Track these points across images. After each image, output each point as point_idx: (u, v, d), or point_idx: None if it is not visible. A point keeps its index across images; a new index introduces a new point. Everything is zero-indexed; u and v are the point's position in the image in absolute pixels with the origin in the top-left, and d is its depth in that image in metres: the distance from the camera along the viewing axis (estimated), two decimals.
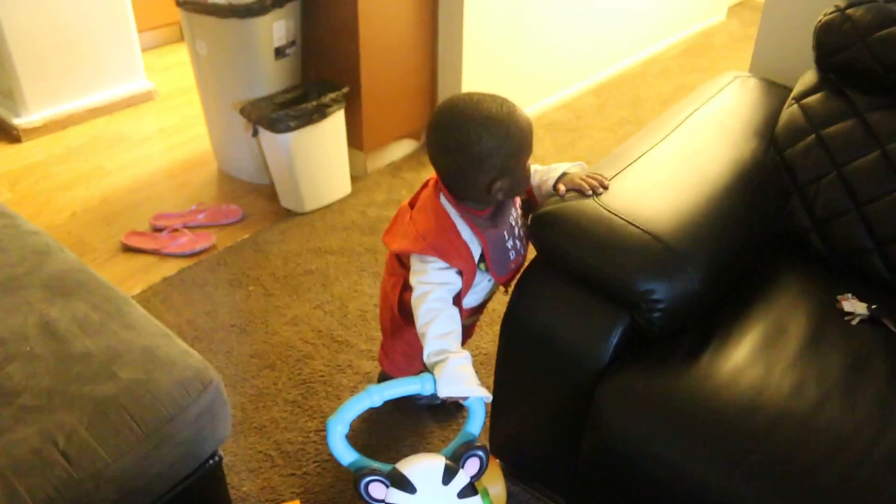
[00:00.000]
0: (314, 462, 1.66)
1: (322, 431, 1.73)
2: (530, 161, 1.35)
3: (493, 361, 1.50)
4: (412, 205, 1.44)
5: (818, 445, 1.10)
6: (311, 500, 1.58)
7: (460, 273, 1.33)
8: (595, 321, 1.29)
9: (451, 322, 1.27)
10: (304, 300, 2.13)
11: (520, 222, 1.44)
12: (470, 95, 1.30)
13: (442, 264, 1.31)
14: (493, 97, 1.29)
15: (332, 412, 1.76)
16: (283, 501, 1.57)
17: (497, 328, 1.48)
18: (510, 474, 1.59)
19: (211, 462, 1.28)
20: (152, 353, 1.22)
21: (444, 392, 1.15)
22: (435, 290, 1.29)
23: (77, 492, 1.04)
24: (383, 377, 1.82)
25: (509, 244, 1.41)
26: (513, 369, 1.45)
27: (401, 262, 1.50)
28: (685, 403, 1.19)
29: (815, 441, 1.11)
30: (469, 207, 1.34)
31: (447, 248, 1.32)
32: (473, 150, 1.26)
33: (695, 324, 1.33)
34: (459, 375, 1.17)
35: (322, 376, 1.88)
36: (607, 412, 1.24)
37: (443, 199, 1.35)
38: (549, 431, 1.45)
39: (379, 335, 1.99)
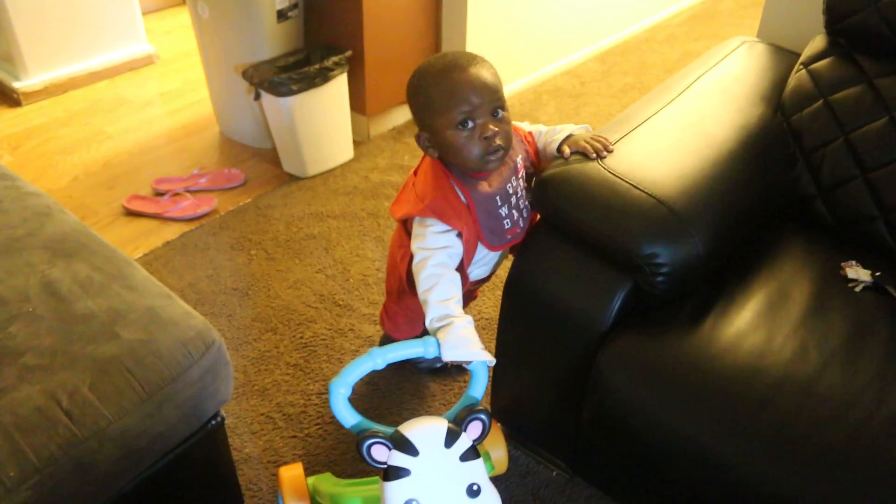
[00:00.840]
0: (316, 424, 1.67)
1: (324, 394, 1.74)
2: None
3: (495, 326, 1.50)
4: (416, 173, 1.43)
5: (820, 410, 1.11)
6: (312, 461, 1.60)
7: (460, 236, 1.32)
8: (598, 285, 1.29)
9: (453, 287, 1.26)
10: (306, 264, 2.13)
11: (521, 194, 1.40)
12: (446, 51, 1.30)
13: (441, 227, 1.30)
14: (457, 53, 1.29)
15: (333, 375, 1.77)
16: (286, 463, 1.58)
17: (499, 293, 1.48)
18: (511, 438, 1.60)
19: (213, 423, 1.28)
20: (154, 314, 1.22)
21: (449, 356, 1.15)
22: (434, 254, 1.28)
23: (81, 450, 1.05)
24: (385, 340, 1.83)
25: (503, 212, 1.37)
26: (515, 333, 1.45)
27: (408, 232, 1.48)
28: (687, 368, 1.19)
29: (817, 405, 1.11)
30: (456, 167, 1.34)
31: (445, 209, 1.30)
32: (408, 93, 1.31)
33: (698, 289, 1.32)
34: (464, 339, 1.16)
35: (324, 340, 1.88)
36: (609, 376, 1.24)
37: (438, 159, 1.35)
38: (550, 395, 1.45)
39: (380, 299, 1.99)
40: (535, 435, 1.58)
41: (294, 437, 1.65)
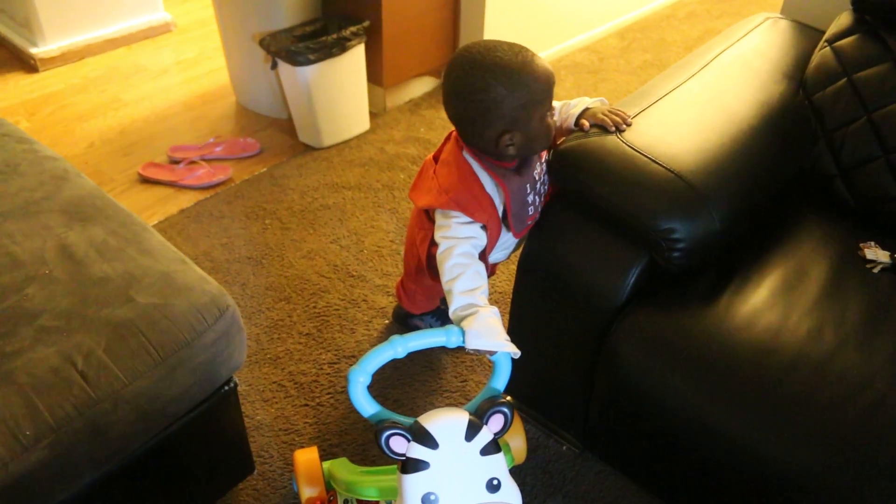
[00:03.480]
0: (327, 394, 1.68)
1: (336, 364, 1.75)
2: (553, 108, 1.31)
3: (509, 300, 1.50)
4: (436, 158, 1.41)
5: (834, 390, 1.10)
6: (323, 430, 1.60)
7: (485, 228, 1.31)
8: (613, 259, 1.28)
9: (478, 277, 1.24)
10: (321, 234, 2.13)
11: (543, 178, 1.39)
12: (487, 42, 1.25)
13: (465, 218, 1.29)
14: (511, 45, 1.24)
15: (345, 346, 1.79)
16: (297, 432, 1.60)
17: (513, 266, 1.48)
18: (522, 412, 1.60)
19: (226, 388, 1.29)
20: (169, 279, 1.22)
21: (473, 344, 1.12)
22: (459, 244, 1.27)
23: (95, 411, 1.06)
24: (398, 311, 1.83)
25: (530, 198, 1.38)
26: (529, 307, 1.44)
27: (429, 216, 1.47)
28: (701, 344, 1.19)
29: (831, 385, 1.11)
30: (492, 159, 1.31)
31: (470, 202, 1.29)
32: (479, 98, 1.23)
33: (714, 265, 1.31)
34: (489, 328, 1.14)
35: (336, 310, 1.89)
36: (622, 351, 1.24)
37: (465, 152, 1.32)
38: (563, 369, 1.45)
39: (394, 270, 2.00)
40: (546, 409, 1.59)
41: (305, 405, 1.66)
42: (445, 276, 1.25)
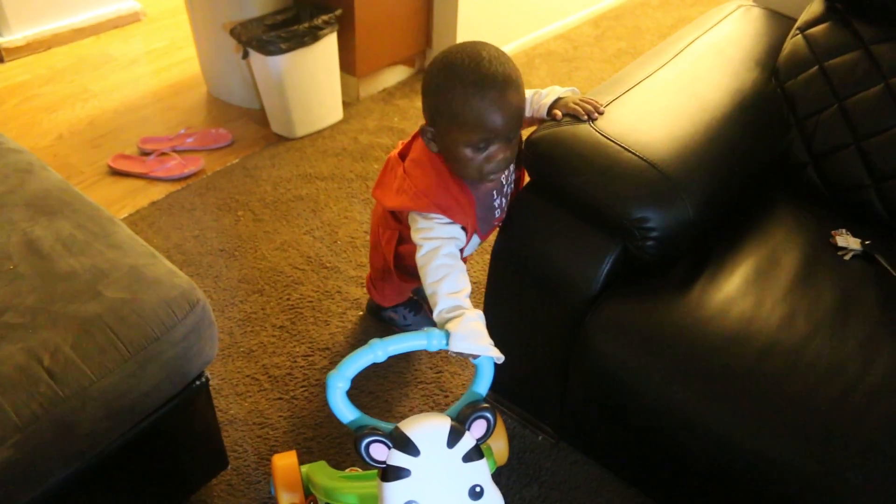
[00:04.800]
0: (302, 387, 1.67)
1: (310, 356, 1.73)
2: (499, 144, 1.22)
3: (483, 289, 1.49)
4: (402, 155, 1.37)
5: (807, 376, 1.11)
6: (298, 423, 1.59)
7: (464, 228, 1.29)
8: (587, 249, 1.27)
9: (463, 279, 1.21)
10: (294, 226, 2.11)
11: (511, 179, 1.38)
12: (476, 43, 1.19)
13: (446, 219, 1.26)
14: (490, 55, 1.17)
15: (320, 338, 1.77)
16: (271, 426, 1.58)
17: (487, 257, 1.47)
18: (497, 402, 1.60)
19: (197, 383, 1.27)
20: (138, 273, 1.20)
21: (457, 348, 1.09)
22: (445, 245, 1.23)
23: (63, 409, 1.03)
24: (372, 305, 1.82)
25: (497, 202, 1.37)
26: (502, 297, 1.44)
27: (394, 216, 1.44)
28: (675, 333, 1.19)
29: (805, 371, 1.11)
30: None
31: (451, 205, 1.26)
32: (426, 89, 1.22)
33: (688, 254, 1.31)
34: (473, 332, 1.11)
35: (310, 302, 1.87)
36: (596, 341, 1.24)
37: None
38: (537, 359, 1.45)
39: (368, 261, 1.98)
40: (521, 399, 1.58)
41: (280, 398, 1.64)
42: (430, 277, 1.21)
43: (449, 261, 1.22)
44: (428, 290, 1.21)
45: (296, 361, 1.72)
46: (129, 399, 1.13)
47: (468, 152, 1.20)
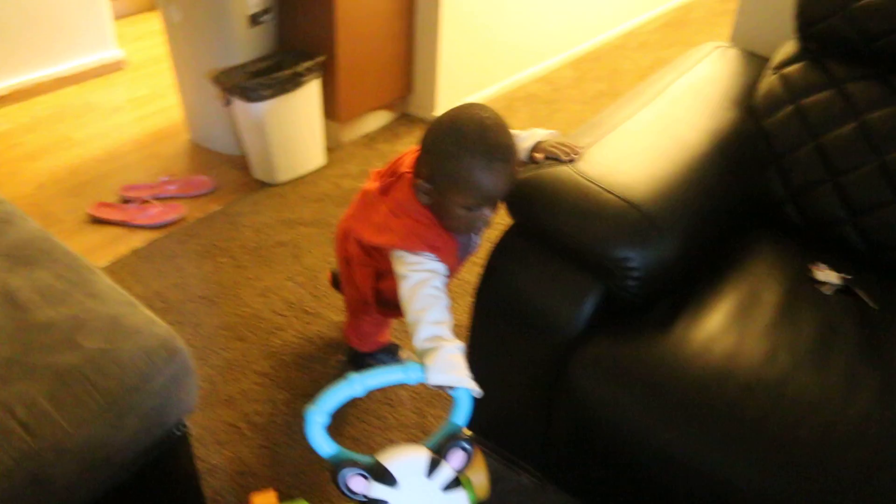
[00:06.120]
0: (284, 434, 1.64)
1: (292, 403, 1.71)
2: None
3: (466, 331, 1.48)
4: (383, 190, 1.37)
5: (790, 411, 1.10)
6: (280, 471, 1.57)
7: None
8: (569, 290, 1.27)
9: (447, 312, 1.22)
10: (276, 272, 2.10)
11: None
12: (478, 109, 1.24)
13: (435, 258, 1.28)
14: (496, 126, 1.23)
15: (301, 384, 1.75)
16: (253, 474, 1.56)
17: (469, 298, 1.46)
18: (480, 443, 1.58)
19: (177, 433, 1.25)
20: (117, 322, 1.19)
21: (434, 379, 1.10)
22: (434, 278, 1.25)
23: (37, 462, 1.01)
24: (351, 354, 1.80)
25: (475, 241, 1.43)
26: (485, 339, 1.43)
27: (366, 252, 1.45)
28: (658, 371, 1.18)
29: (787, 407, 1.11)
30: None
31: (440, 246, 1.28)
32: (430, 149, 1.26)
33: (669, 292, 1.31)
34: (451, 364, 1.12)
35: (292, 348, 1.86)
36: (580, 381, 1.23)
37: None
38: (521, 400, 1.44)
39: None
40: (504, 440, 1.57)
41: (262, 446, 1.62)
42: (416, 305, 1.21)
43: (437, 292, 1.24)
44: (411, 318, 1.22)
45: (277, 408, 1.70)
46: (107, 451, 1.10)
47: (462, 211, 1.26)
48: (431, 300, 1.22)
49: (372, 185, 1.40)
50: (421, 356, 1.14)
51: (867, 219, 1.44)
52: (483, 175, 1.21)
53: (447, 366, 1.11)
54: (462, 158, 1.21)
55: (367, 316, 1.62)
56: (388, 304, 1.50)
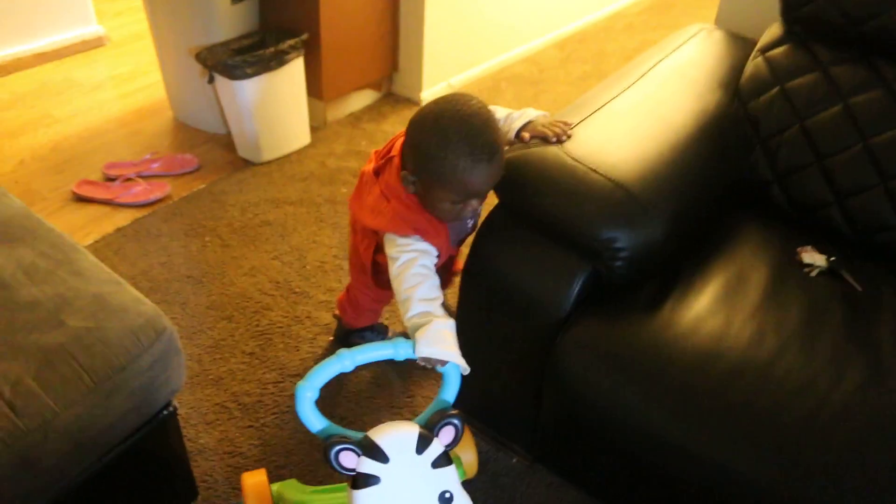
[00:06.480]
0: (273, 414, 1.64)
1: (280, 383, 1.71)
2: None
3: (454, 314, 1.48)
4: (377, 172, 1.37)
5: (777, 393, 1.11)
6: (269, 451, 1.57)
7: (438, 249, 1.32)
8: (557, 271, 1.28)
9: (436, 289, 1.24)
10: (262, 251, 2.09)
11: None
12: (465, 104, 1.21)
13: (422, 240, 1.29)
14: (483, 121, 1.20)
15: (290, 364, 1.75)
16: (242, 454, 1.56)
17: (457, 279, 1.46)
18: (470, 425, 1.59)
19: (165, 412, 1.25)
20: (103, 301, 1.18)
21: (424, 352, 1.10)
22: (421, 257, 1.26)
23: (25, 442, 1.01)
24: (341, 330, 1.80)
25: (469, 224, 1.42)
26: (473, 321, 1.43)
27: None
28: (645, 353, 1.19)
29: (774, 389, 1.12)
30: None
31: (428, 229, 1.29)
32: (414, 146, 1.24)
33: (656, 274, 1.32)
34: (441, 338, 1.13)
35: (280, 328, 1.85)
36: (568, 362, 1.23)
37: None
38: (509, 382, 1.44)
39: (337, 286, 1.97)
40: (494, 422, 1.58)
41: (250, 426, 1.62)
42: (405, 284, 1.23)
43: (424, 270, 1.25)
44: (402, 297, 1.23)
45: (266, 388, 1.70)
46: (94, 431, 1.10)
47: (447, 205, 1.25)
48: (420, 278, 1.23)
49: (368, 166, 1.40)
50: (411, 332, 1.15)
51: (852, 201, 1.45)
52: (467, 175, 1.19)
53: (436, 339, 1.12)
54: (446, 159, 1.19)
55: (368, 290, 1.62)
56: (383, 278, 1.52)
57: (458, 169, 1.19)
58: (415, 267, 1.24)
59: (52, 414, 1.04)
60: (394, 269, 1.27)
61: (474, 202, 1.26)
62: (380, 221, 1.31)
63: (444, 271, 1.62)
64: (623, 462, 1.25)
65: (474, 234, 1.40)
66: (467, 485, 1.12)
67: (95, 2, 3.18)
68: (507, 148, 1.33)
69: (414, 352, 1.10)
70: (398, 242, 1.28)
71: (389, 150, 1.36)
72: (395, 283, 1.25)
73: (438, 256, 1.31)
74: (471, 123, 1.19)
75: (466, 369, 1.13)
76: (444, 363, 1.12)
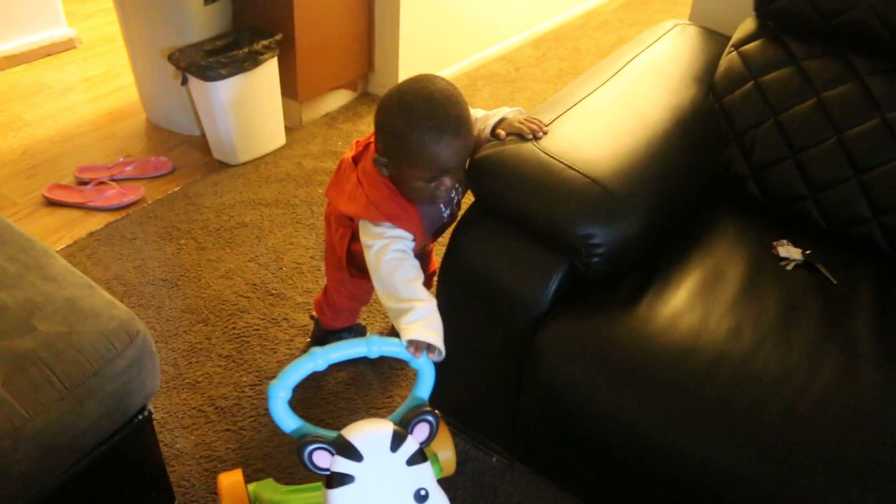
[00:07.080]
0: (250, 417, 1.62)
1: (257, 386, 1.69)
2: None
3: None
4: (355, 159, 1.38)
5: (755, 386, 1.11)
6: (247, 455, 1.55)
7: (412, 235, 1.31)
8: (534, 267, 1.27)
9: (415, 269, 1.25)
10: (238, 253, 2.07)
11: (458, 188, 1.40)
12: (428, 81, 1.22)
13: (395, 227, 1.29)
14: (446, 97, 1.21)
15: (267, 366, 1.74)
16: (219, 458, 1.54)
17: (435, 277, 1.46)
18: (449, 424, 1.58)
19: (140, 417, 1.23)
20: (74, 305, 1.16)
21: (407, 335, 1.12)
22: (394, 242, 1.27)
23: None
24: (317, 332, 1.78)
25: (445, 213, 1.40)
26: (451, 318, 1.41)
27: (347, 216, 1.46)
28: (623, 348, 1.19)
29: (752, 382, 1.12)
30: None
31: (401, 216, 1.29)
32: (382, 127, 1.25)
33: (633, 269, 1.32)
34: (427, 323, 1.15)
35: (257, 330, 1.83)
36: (546, 359, 1.23)
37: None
38: (488, 380, 1.44)
39: (314, 287, 1.95)
40: (473, 421, 1.57)
41: (227, 430, 1.60)
42: (383, 270, 1.24)
43: (399, 254, 1.26)
44: (381, 284, 1.24)
45: (243, 391, 1.68)
46: (67, 437, 1.08)
47: (420, 184, 1.25)
48: (396, 262, 1.24)
49: (349, 153, 1.40)
50: (397, 317, 1.16)
51: (827, 194, 1.45)
52: (435, 148, 1.20)
53: (423, 323, 1.14)
54: (412, 134, 1.20)
55: (343, 287, 1.61)
56: (359, 267, 1.51)
57: (424, 143, 1.19)
58: (389, 252, 1.25)
59: (22, 420, 1.01)
60: (370, 256, 1.27)
61: (447, 180, 1.25)
62: (354, 208, 1.32)
63: (423, 271, 1.62)
64: (603, 459, 1.25)
65: (451, 231, 1.40)
66: (447, 484, 1.12)
67: (66, 3, 3.13)
68: (485, 145, 1.33)
69: (387, 353, 1.10)
70: (372, 231, 1.29)
71: (369, 139, 1.36)
72: (373, 270, 1.26)
73: (414, 241, 1.31)
74: (434, 99, 1.20)
75: (442, 355, 1.14)
76: (431, 351, 1.13)
